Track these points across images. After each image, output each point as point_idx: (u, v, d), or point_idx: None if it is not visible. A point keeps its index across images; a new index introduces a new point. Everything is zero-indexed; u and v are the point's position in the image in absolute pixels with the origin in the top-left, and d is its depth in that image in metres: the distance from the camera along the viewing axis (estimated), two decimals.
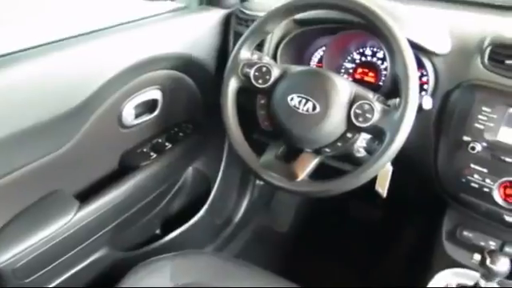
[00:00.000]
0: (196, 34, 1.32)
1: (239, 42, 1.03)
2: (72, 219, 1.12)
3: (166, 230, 1.47)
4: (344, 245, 1.69)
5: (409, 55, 0.88)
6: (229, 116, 1.03)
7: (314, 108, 0.94)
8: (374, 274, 1.60)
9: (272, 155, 1.01)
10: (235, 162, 1.55)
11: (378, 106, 0.91)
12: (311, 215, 1.83)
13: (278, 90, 0.99)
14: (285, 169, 0.99)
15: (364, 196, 1.15)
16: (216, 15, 1.36)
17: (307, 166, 0.98)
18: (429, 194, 1.15)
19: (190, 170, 1.53)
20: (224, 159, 1.57)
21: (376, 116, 0.91)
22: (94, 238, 1.22)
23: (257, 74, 1.01)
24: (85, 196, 1.18)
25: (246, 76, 1.02)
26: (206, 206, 1.53)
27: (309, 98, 0.95)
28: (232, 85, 1.03)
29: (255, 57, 1.05)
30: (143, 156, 1.33)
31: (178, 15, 1.32)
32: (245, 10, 1.30)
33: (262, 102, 1.03)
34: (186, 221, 1.49)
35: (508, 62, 0.96)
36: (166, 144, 1.38)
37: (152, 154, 1.34)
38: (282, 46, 1.21)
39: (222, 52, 1.37)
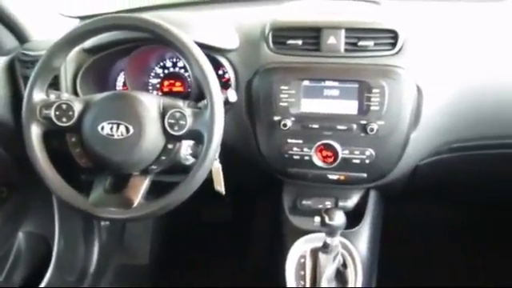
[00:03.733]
0: None
1: (28, 85, 0.96)
2: None
3: None
4: (207, 252, 1.70)
5: (200, 57, 0.92)
6: (41, 165, 0.95)
7: (128, 130, 0.92)
8: (240, 271, 1.64)
9: (101, 190, 0.98)
10: (69, 212, 1.44)
11: (188, 111, 0.93)
12: (168, 236, 1.80)
13: (86, 122, 0.95)
14: (118, 199, 0.95)
15: (212, 199, 1.17)
16: None
17: (139, 189, 0.96)
18: (264, 178, 1.22)
19: (20, 235, 1.38)
20: (56, 212, 1.45)
21: (189, 121, 0.93)
22: None
23: (58, 113, 0.95)
24: None
25: (47, 118, 0.95)
26: (51, 268, 1.40)
27: (119, 121, 0.93)
28: (34, 132, 0.95)
29: (52, 96, 0.99)
30: None
31: None
32: (27, 52, 1.21)
33: (73, 139, 0.98)
34: None
35: (289, 42, 1.06)
36: None
37: None
38: (79, 78, 1.16)
39: (17, 101, 1.25)
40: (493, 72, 1.06)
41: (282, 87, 1.05)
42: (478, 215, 1.66)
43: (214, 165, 1.03)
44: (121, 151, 0.93)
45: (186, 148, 1.03)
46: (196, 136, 0.94)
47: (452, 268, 1.58)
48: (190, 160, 1.05)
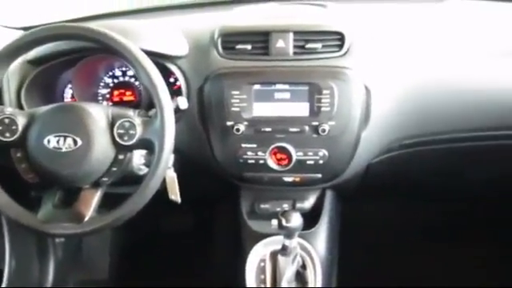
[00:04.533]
0: None
1: None
2: None
3: None
4: (168, 262, 1.67)
5: (147, 64, 0.91)
6: None
7: (76, 143, 0.90)
8: (203, 279, 1.63)
9: (50, 206, 0.95)
10: (20, 230, 1.39)
11: (138, 120, 0.92)
12: (127, 248, 1.76)
13: (31, 136, 0.92)
14: (69, 214, 0.93)
15: (170, 208, 1.15)
16: None
17: (91, 202, 0.94)
18: (221, 184, 1.21)
19: None
20: (6, 233, 1.39)
21: (139, 130, 0.91)
22: None
23: (0, 128, 0.91)
24: None
25: None
26: None
27: (66, 134, 0.90)
28: None
29: None
30: None
31: None
32: None
33: (19, 155, 0.94)
34: None
35: (238, 46, 1.07)
36: None
37: None
38: (23, 91, 1.12)
39: None
40: (437, 70, 1.10)
41: (233, 92, 1.05)
42: (433, 211, 1.71)
43: (168, 173, 1.02)
44: (69, 164, 0.90)
45: (138, 158, 1.01)
46: (147, 145, 0.93)
47: (411, 265, 1.61)
48: (144, 170, 1.03)
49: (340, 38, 1.05)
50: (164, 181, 1.01)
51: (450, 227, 1.67)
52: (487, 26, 1.18)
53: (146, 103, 1.16)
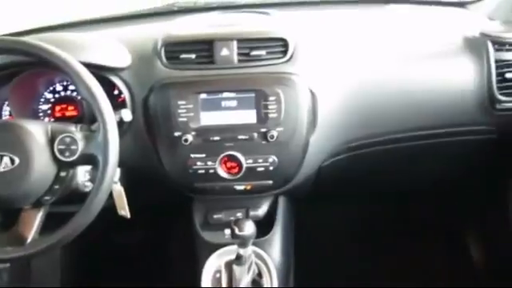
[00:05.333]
0: None
1: None
2: None
3: None
4: (123, 277, 1.62)
5: (86, 77, 0.88)
6: None
7: (13, 161, 0.86)
8: None
9: None
10: None
11: (79, 135, 0.89)
12: (80, 264, 1.69)
13: None
14: (9, 237, 0.89)
15: (123, 223, 1.11)
16: None
17: (33, 223, 0.90)
18: (173, 196, 1.19)
19: None
20: None
21: (81, 145, 0.89)
22: None
23: None
24: None
25: None
26: None
27: (2, 153, 0.86)
28: None
29: None
30: None
31: None
32: None
33: None
34: None
35: (182, 56, 1.06)
36: None
37: None
38: None
39: None
40: (375, 72, 1.12)
41: (180, 102, 1.04)
42: (381, 211, 1.74)
43: (115, 188, 0.99)
44: (6, 184, 0.86)
45: (83, 174, 0.98)
46: (91, 160, 0.90)
47: (367, 266, 1.63)
48: (90, 187, 0.99)
49: (284, 44, 1.06)
50: (112, 196, 0.99)
51: (398, 225, 1.71)
52: (422, 29, 1.23)
53: (89, 117, 1.12)
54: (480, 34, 1.16)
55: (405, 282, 1.51)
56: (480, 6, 1.36)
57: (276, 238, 1.16)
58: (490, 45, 1.13)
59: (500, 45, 1.13)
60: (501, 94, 1.14)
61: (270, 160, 1.06)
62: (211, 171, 1.07)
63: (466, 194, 1.61)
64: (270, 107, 1.03)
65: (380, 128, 1.15)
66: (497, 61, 1.13)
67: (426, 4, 1.42)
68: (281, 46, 1.06)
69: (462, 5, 1.40)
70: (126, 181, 1.02)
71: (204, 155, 1.06)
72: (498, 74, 1.13)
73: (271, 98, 1.03)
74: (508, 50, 1.13)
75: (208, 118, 1.05)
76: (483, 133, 1.20)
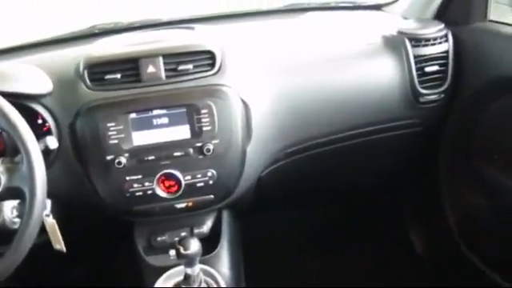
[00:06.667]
0: None
1: None
2: None
3: None
4: None
5: (4, 106, 0.84)
6: None
7: None
8: None
9: None
10: None
11: (0, 169, 0.84)
12: None
13: None
14: None
15: (68, 257, 1.05)
16: None
17: None
18: (112, 223, 1.14)
19: None
20: None
21: (4, 179, 0.84)
22: None
23: None
24: None
25: None
26: None
27: None
28: None
29: None
30: None
31: None
32: None
33: None
34: None
35: (107, 76, 1.02)
36: None
37: None
38: None
39: None
40: (300, 77, 1.15)
41: (109, 124, 1.00)
42: (325, 215, 1.77)
43: (48, 221, 0.93)
44: None
45: (10, 210, 0.91)
46: (16, 194, 0.84)
47: (319, 274, 1.63)
48: (18, 223, 0.93)
49: (211, 56, 1.05)
50: (45, 231, 0.93)
51: (343, 227, 1.73)
52: (342, 32, 1.28)
53: (12, 150, 1.05)
54: (397, 32, 1.22)
55: (356, 283, 1.53)
56: (394, 7, 1.43)
57: (223, 253, 1.15)
58: (407, 42, 1.19)
59: (416, 41, 1.19)
60: (422, 87, 1.20)
61: (209, 174, 1.04)
62: (149, 192, 1.03)
63: (409, 191, 1.66)
64: (203, 120, 1.02)
65: (313, 130, 1.17)
66: (415, 56, 1.19)
67: (343, 9, 1.48)
68: (208, 58, 1.05)
69: (377, 7, 1.47)
70: (58, 212, 0.97)
71: (140, 176, 1.03)
72: (418, 69, 1.19)
73: (203, 111, 1.02)
74: (425, 46, 1.19)
75: (140, 138, 1.02)
76: (411, 126, 1.26)
